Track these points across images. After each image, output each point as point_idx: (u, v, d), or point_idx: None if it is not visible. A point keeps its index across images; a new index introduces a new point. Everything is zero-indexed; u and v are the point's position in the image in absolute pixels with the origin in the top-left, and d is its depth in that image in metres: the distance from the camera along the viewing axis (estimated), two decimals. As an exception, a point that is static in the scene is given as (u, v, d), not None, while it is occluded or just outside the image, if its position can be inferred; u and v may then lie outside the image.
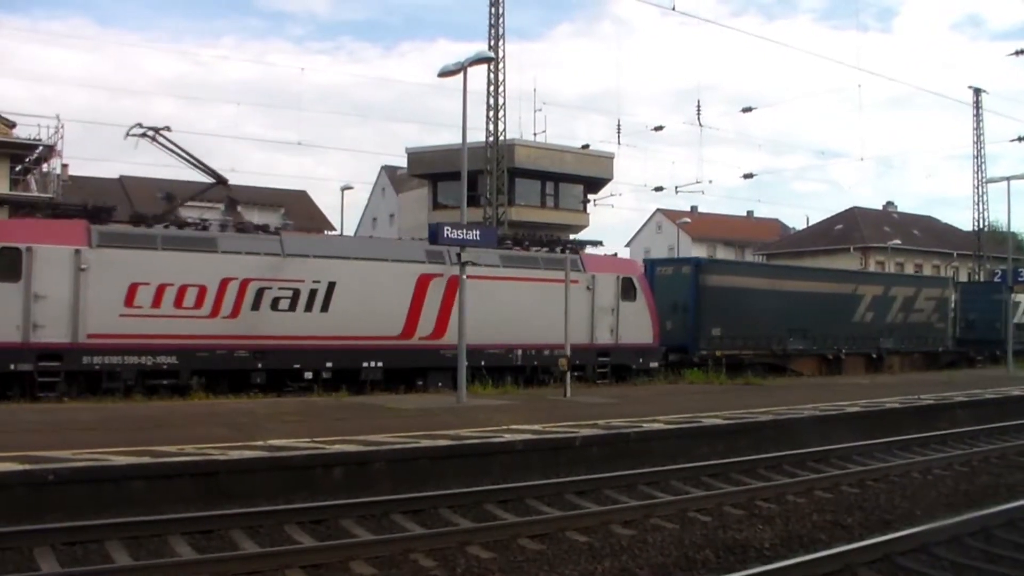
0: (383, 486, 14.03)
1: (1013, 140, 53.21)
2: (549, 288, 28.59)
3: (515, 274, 29.34)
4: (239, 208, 66.12)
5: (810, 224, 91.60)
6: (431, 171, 54.12)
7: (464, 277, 23.47)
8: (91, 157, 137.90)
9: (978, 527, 11.79)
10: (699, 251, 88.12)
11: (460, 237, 22.96)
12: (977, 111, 61.65)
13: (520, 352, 29.04)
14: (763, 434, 19.71)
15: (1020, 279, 43.95)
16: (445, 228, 22.99)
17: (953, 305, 50.49)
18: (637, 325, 31.73)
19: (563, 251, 31.25)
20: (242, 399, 23.05)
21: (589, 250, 33.34)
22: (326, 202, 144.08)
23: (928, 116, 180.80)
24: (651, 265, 36.46)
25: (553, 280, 28.46)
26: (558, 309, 26.17)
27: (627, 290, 31.60)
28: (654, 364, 32.35)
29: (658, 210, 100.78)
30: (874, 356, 42.94)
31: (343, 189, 59.59)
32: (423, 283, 27.52)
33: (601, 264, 32.30)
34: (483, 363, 27.72)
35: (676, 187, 68.40)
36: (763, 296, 36.48)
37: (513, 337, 28.89)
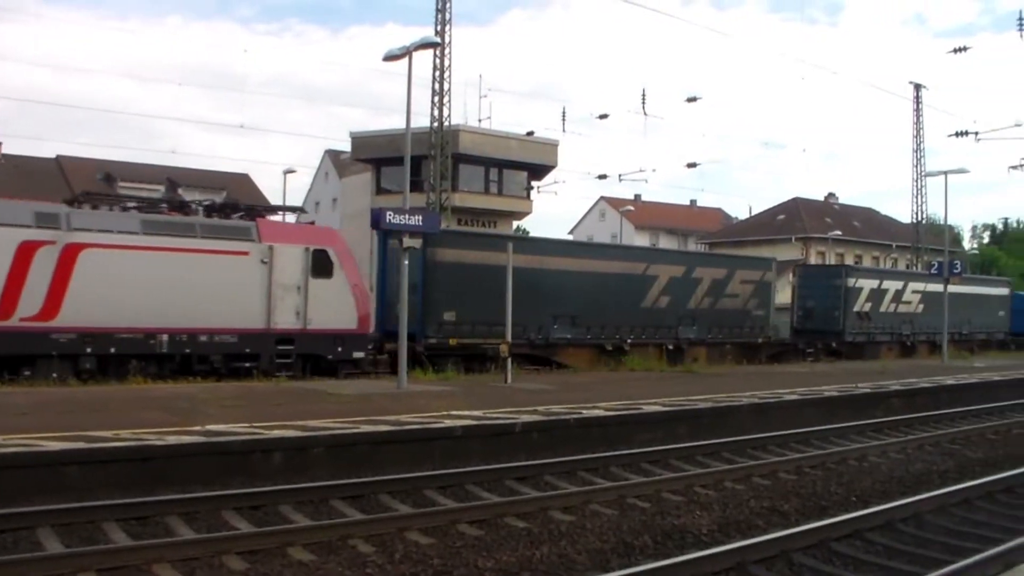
0: (322, 471, 13.96)
1: (951, 135, 53.75)
2: (209, 260, 24.94)
3: (161, 243, 24.38)
4: (180, 190, 65.51)
5: (753, 214, 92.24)
6: (375, 156, 53.82)
7: (405, 263, 23.29)
8: (27, 136, 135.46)
9: (910, 513, 11.99)
10: (642, 239, 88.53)
11: (402, 222, 22.86)
12: (917, 106, 62.35)
13: (166, 338, 24.35)
14: (702, 421, 19.86)
15: (956, 271, 44.61)
16: (387, 213, 22.91)
17: (791, 291, 48.15)
18: (334, 307, 27.10)
19: (244, 217, 27.09)
20: (181, 383, 22.81)
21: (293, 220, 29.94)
22: (270, 186, 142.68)
23: (870, 110, 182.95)
24: (383, 236, 30.31)
25: (215, 251, 25.09)
26: (220, 286, 24.44)
27: (320, 264, 26.79)
28: (359, 354, 27.79)
29: (602, 198, 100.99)
30: (671, 347, 36.87)
31: (285, 173, 59.15)
32: (26, 252, 22.67)
33: (284, 233, 27.70)
34: (113, 350, 23.66)
35: (620, 175, 68.97)
36: (518, 275, 28.90)
37: (157, 319, 24.19)
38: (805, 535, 10.54)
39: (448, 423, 16.42)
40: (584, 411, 18.75)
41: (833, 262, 69.50)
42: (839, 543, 10.57)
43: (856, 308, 45.40)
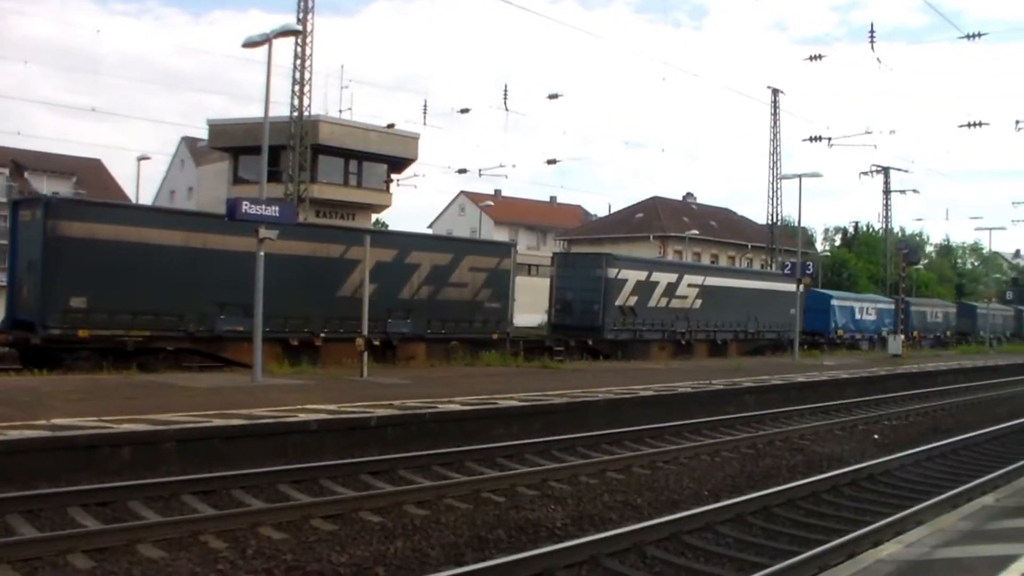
0: (173, 467, 13.73)
1: (806, 140, 55.42)
2: None
3: None
4: (26, 175, 63.32)
5: (612, 212, 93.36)
6: (233, 144, 52.90)
7: (260, 254, 22.99)
8: None
9: (760, 506, 12.36)
10: (501, 234, 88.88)
11: (259, 213, 22.56)
12: (775, 111, 63.95)
13: None
14: (557, 416, 20.10)
15: (808, 272, 46.03)
16: (243, 203, 22.58)
17: (549, 283, 42.20)
18: None
19: None
20: (24, 375, 22.15)
21: None
22: (125, 172, 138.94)
23: (730, 113, 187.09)
24: (13, 208, 26.83)
25: None
26: None
27: None
28: None
29: (462, 192, 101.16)
30: (377, 343, 30.85)
31: (139, 159, 58.00)
32: None
33: None
34: None
35: (480, 170, 68.89)
36: (175, 256, 26.11)
37: None
38: (657, 528, 10.79)
39: (302, 417, 16.31)
40: (440, 406, 18.80)
41: (691, 260, 70.68)
42: (691, 536, 10.85)
43: (619, 302, 40.46)
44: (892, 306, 64.42)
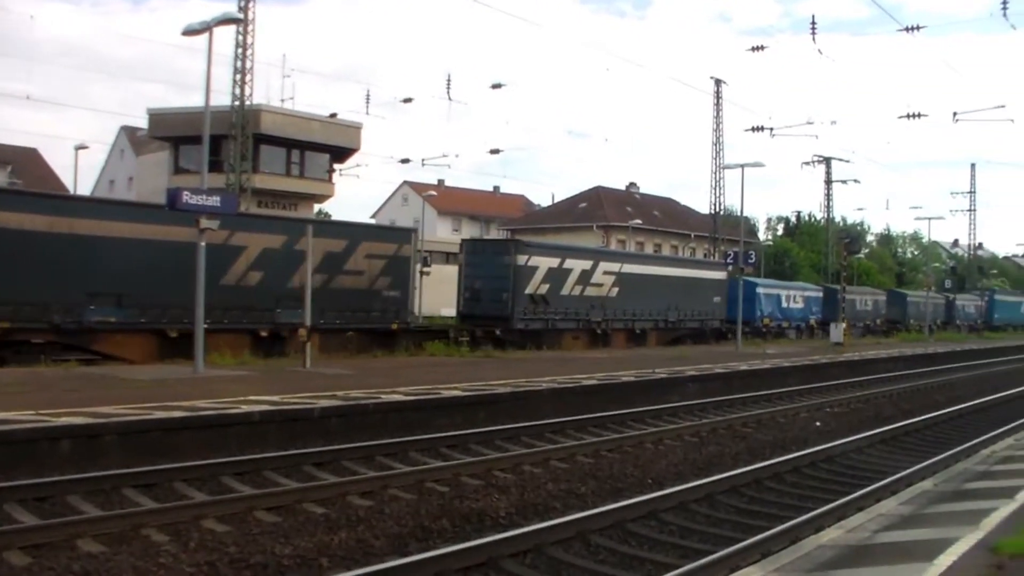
0: (113, 460, 13.56)
1: (748, 130, 55.67)
2: None
3: None
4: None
5: (555, 202, 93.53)
6: (173, 134, 52.33)
7: (202, 244, 22.77)
8: None
9: (703, 494, 12.45)
10: (444, 225, 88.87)
11: (200, 204, 22.33)
12: (717, 101, 64.37)
13: None
14: (501, 406, 20.11)
15: (751, 261, 46.38)
16: (184, 193, 22.34)
17: (458, 270, 39.87)
18: None
19: None
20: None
21: None
22: (63, 162, 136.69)
23: (673, 103, 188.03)
24: None
25: None
26: None
27: None
28: None
29: (405, 182, 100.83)
30: (265, 334, 29.84)
31: (77, 149, 57.36)
32: None
33: None
34: None
35: (423, 160, 68.86)
36: (38, 242, 24.45)
37: None
38: (602, 516, 10.84)
39: (245, 408, 16.18)
40: (383, 396, 18.75)
41: (634, 250, 70.86)
42: (635, 524, 10.91)
43: (529, 290, 38.57)
44: (820, 294, 63.96)
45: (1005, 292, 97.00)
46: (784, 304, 60.33)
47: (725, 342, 47.70)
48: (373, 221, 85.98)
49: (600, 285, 42.71)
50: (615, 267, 44.36)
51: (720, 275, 52.82)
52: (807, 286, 66.98)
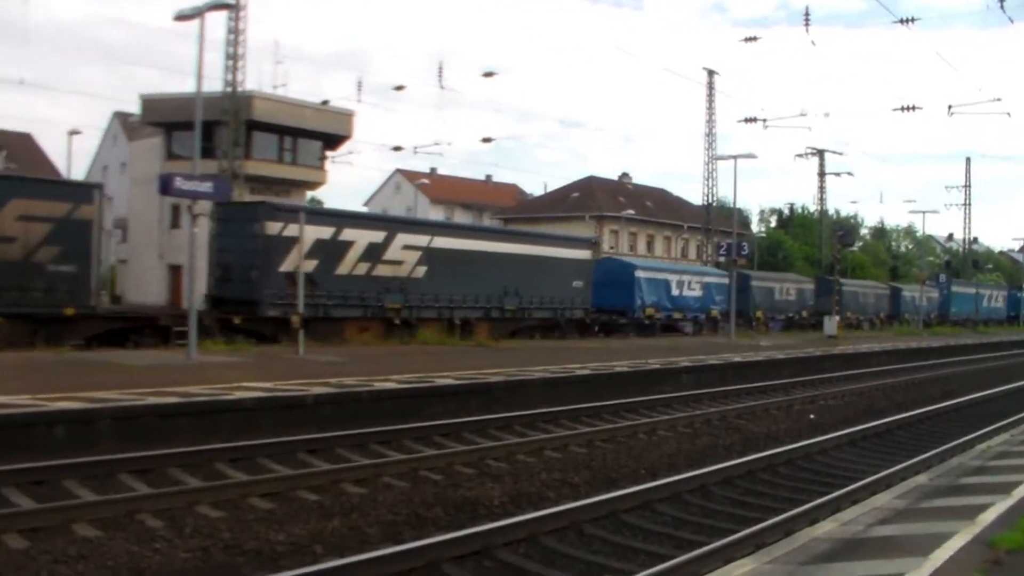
0: (109, 445, 13.55)
1: (742, 121, 55.44)
2: None
3: None
4: (-49, 149, 61.96)
5: (548, 191, 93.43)
6: (166, 120, 52.08)
7: (195, 231, 22.74)
8: None
9: (697, 485, 12.47)
10: (437, 213, 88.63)
11: (192, 189, 22.31)
12: (710, 92, 64.32)
13: None
14: (494, 395, 20.12)
15: (744, 253, 46.28)
16: (176, 179, 22.31)
17: (208, 242, 32.88)
18: None
19: None
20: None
21: None
22: (57, 147, 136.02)
23: (667, 93, 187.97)
24: None
25: None
26: None
27: None
28: None
29: (397, 170, 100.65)
30: None
31: (70, 134, 57.20)
32: None
33: None
34: None
35: (415, 148, 68.86)
36: None
37: None
38: (595, 507, 10.86)
39: (239, 395, 16.20)
40: (376, 384, 18.76)
41: (627, 247, 70.17)
42: (628, 514, 10.93)
43: (285, 267, 30.37)
44: (725, 280, 52.21)
45: (961, 283, 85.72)
46: (675, 291, 51.18)
47: (592, 337, 42.62)
48: (366, 208, 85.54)
49: (398, 263, 34.71)
50: (421, 240, 35.62)
51: (583, 254, 44.40)
52: (708, 271, 58.75)
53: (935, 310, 78.37)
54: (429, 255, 35.35)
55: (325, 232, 31.79)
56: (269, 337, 29.70)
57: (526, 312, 40.22)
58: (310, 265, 30.22)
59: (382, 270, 33.97)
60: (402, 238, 34.96)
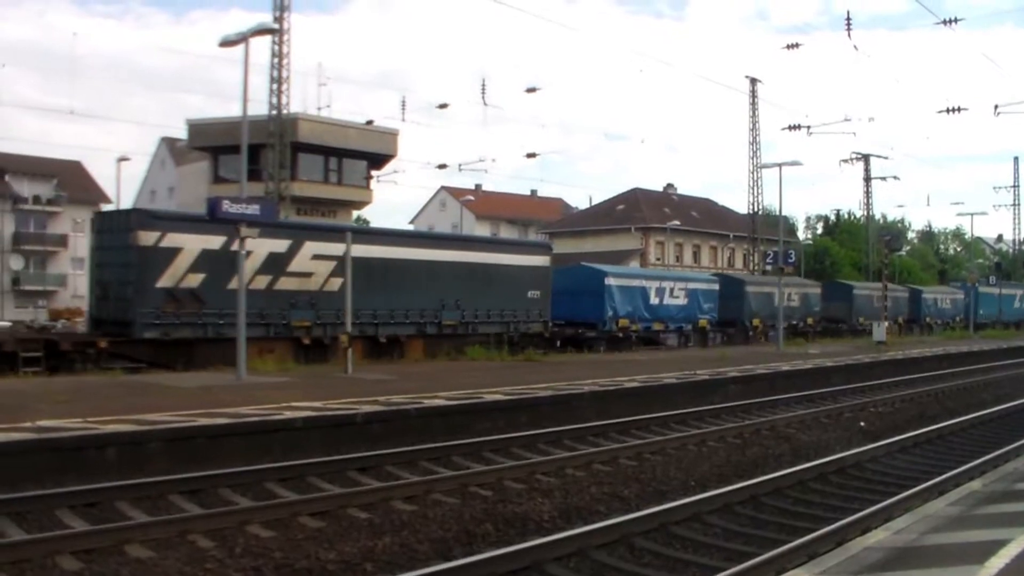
0: (159, 466, 13.66)
1: (785, 129, 55.06)
2: None
3: None
4: (7, 178, 63.26)
5: (593, 204, 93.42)
6: (212, 144, 52.76)
7: (243, 252, 22.91)
8: None
9: (747, 496, 12.36)
10: (483, 229, 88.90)
11: (239, 212, 22.51)
12: (753, 100, 64.11)
13: None
14: (543, 410, 20.06)
15: (791, 261, 45.77)
16: (224, 202, 22.52)
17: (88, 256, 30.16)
18: None
19: None
20: (9, 378, 22.05)
21: None
22: (106, 174, 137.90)
23: (709, 103, 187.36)
24: None
25: None
26: None
27: None
28: None
29: (442, 188, 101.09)
30: None
31: (119, 160, 57.93)
32: None
33: None
34: None
35: (460, 165, 69.22)
36: None
37: None
38: (645, 520, 10.79)
39: (288, 415, 16.26)
40: (425, 401, 18.78)
41: (673, 258, 69.85)
42: (679, 527, 10.85)
43: (165, 283, 27.33)
44: (715, 286, 50.46)
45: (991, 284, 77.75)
46: (653, 300, 45.82)
47: (555, 351, 38.37)
48: (411, 227, 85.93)
49: (307, 275, 30.96)
50: (335, 249, 29.99)
51: (539, 261, 40.03)
52: (695, 276, 55.47)
53: (959, 313, 73.13)
54: (345, 265, 28.16)
55: (214, 242, 27.78)
56: (149, 363, 26.72)
57: (470, 327, 35.99)
58: (195, 279, 27.81)
59: (287, 283, 30.30)
60: (311, 247, 31.03)
